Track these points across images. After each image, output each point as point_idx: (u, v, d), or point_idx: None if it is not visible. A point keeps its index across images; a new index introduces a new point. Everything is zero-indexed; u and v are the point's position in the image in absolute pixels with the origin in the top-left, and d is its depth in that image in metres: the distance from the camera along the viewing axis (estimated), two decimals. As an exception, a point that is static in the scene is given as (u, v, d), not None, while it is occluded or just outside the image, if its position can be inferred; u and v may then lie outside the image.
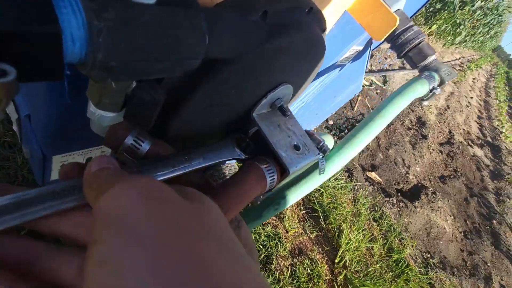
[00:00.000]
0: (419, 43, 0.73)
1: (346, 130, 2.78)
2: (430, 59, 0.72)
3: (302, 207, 1.57)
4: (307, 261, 1.32)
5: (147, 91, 0.27)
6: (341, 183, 1.84)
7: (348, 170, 2.22)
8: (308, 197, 1.61)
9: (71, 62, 0.18)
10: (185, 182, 0.31)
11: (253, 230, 1.26)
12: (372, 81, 4.24)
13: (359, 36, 0.72)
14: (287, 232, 1.38)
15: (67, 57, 0.17)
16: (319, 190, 1.64)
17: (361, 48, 0.83)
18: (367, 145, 2.71)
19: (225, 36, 0.27)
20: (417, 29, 0.73)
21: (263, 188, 0.39)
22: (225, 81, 0.33)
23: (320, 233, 1.52)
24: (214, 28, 0.26)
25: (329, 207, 1.60)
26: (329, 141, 0.63)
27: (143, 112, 0.28)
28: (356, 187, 2.09)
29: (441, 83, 0.71)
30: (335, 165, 0.63)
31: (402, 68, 4.18)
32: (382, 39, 0.48)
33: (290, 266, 1.28)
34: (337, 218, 1.57)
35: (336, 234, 1.51)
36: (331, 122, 2.79)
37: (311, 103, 1.04)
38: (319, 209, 1.57)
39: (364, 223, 1.79)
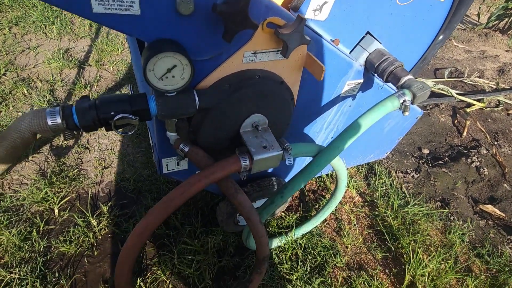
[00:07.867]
0: (394, 69, 0.94)
1: (447, 159, 2.52)
2: (403, 80, 0.91)
3: (371, 230, 1.62)
4: (366, 276, 1.38)
5: (182, 123, 0.74)
6: (423, 210, 1.76)
7: (443, 200, 2.03)
8: (376, 219, 1.66)
9: (154, 114, 0.67)
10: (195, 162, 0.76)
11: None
12: (499, 101, 3.59)
13: (344, 75, 1.00)
14: (346, 247, 1.50)
15: (153, 112, 0.66)
16: (391, 214, 1.66)
17: (360, 81, 1.06)
18: (483, 174, 2.38)
19: (204, 99, 0.71)
20: (391, 60, 0.95)
21: (239, 167, 0.77)
22: (214, 116, 0.76)
23: (388, 255, 1.52)
24: (200, 98, 0.70)
25: (402, 232, 1.58)
26: (308, 148, 0.92)
27: (181, 132, 0.75)
28: (453, 218, 1.88)
29: (414, 96, 0.88)
30: (320, 158, 0.90)
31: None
32: (321, 78, 0.78)
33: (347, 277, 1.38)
34: (411, 243, 1.53)
35: (409, 259, 1.47)
36: (426, 151, 2.61)
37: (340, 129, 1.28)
38: (384, 231, 1.59)
39: (460, 256, 1.60)
